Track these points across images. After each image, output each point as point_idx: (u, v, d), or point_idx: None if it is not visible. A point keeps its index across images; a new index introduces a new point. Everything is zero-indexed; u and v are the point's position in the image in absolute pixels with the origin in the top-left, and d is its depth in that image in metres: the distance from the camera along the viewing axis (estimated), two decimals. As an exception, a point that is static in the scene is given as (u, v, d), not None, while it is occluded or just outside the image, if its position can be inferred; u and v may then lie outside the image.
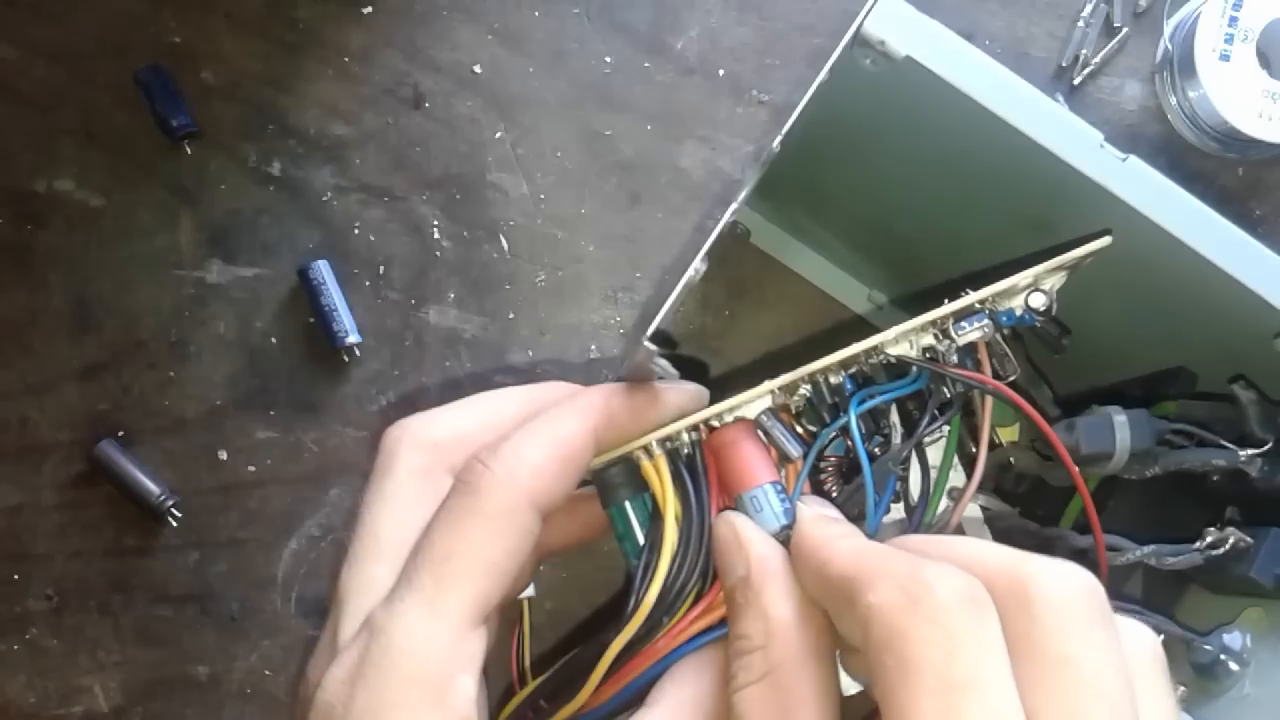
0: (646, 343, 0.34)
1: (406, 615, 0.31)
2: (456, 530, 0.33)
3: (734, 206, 0.39)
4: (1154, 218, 0.39)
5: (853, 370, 0.38)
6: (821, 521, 0.34)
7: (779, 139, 0.40)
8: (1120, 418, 0.40)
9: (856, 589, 0.28)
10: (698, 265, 0.35)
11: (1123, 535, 0.41)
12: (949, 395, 0.38)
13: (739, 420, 0.37)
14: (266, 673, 0.59)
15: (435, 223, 0.61)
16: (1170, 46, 0.61)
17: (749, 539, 0.33)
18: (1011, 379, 0.38)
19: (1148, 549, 0.40)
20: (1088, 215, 0.40)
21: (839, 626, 0.30)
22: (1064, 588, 0.27)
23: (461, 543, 0.32)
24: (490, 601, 0.32)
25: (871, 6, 0.38)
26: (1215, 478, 0.42)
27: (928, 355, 0.38)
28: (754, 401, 0.37)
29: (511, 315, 0.61)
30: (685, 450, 0.37)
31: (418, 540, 0.33)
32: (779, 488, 0.36)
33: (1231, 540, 0.40)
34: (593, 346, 0.61)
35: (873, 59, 0.39)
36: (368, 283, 0.61)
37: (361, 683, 0.31)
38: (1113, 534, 0.40)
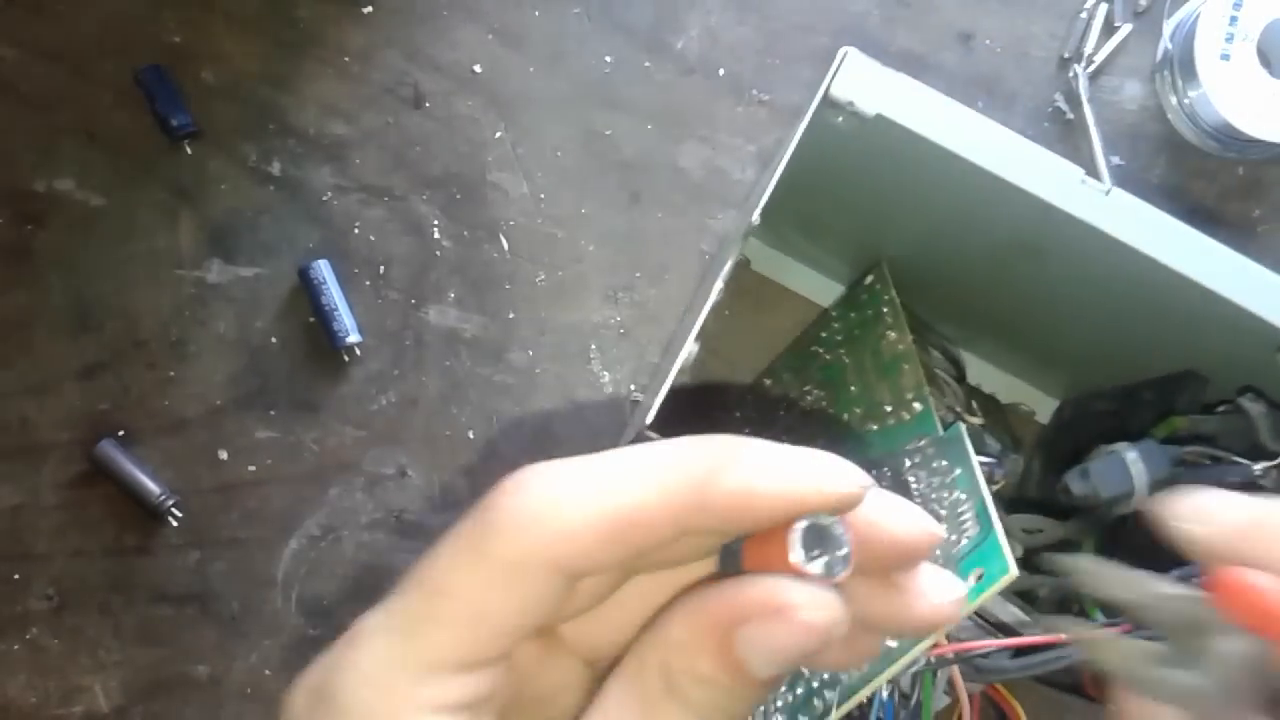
0: (648, 433, 0.33)
1: (372, 644, 0.27)
2: (455, 564, 0.27)
3: (718, 286, 0.39)
4: (1141, 249, 0.39)
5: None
6: None
7: (758, 211, 0.40)
8: (1131, 454, 0.40)
9: None
10: (691, 348, 0.35)
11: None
12: None
13: None
14: (266, 672, 0.59)
15: (435, 222, 0.61)
16: (1170, 46, 0.61)
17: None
18: None
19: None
20: (1077, 243, 0.40)
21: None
22: None
23: (456, 582, 0.27)
24: (478, 655, 0.27)
25: (836, 69, 0.38)
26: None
27: None
28: None
29: (511, 315, 0.61)
30: None
31: (424, 556, 0.28)
32: None
33: None
34: (593, 346, 0.61)
35: (844, 118, 0.39)
36: (368, 282, 0.61)
37: (320, 708, 0.28)
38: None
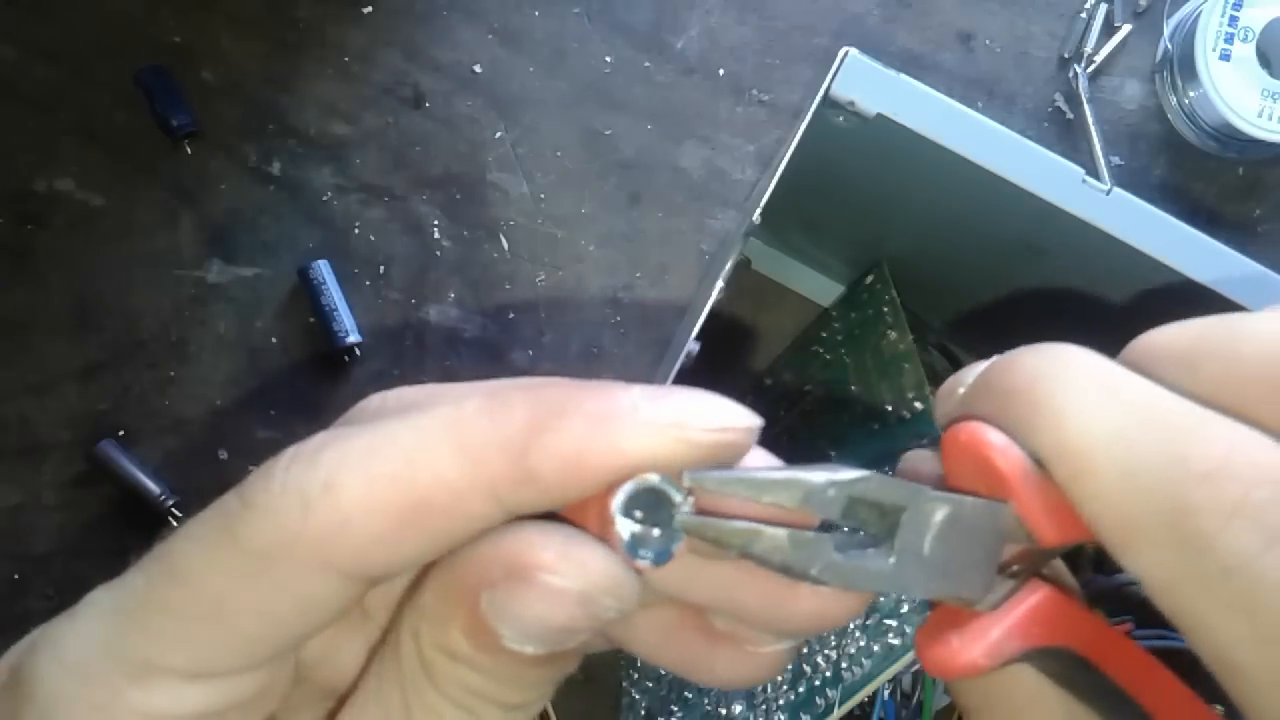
0: None
1: (88, 624, 0.22)
2: (198, 545, 0.22)
3: (718, 286, 0.39)
4: (1142, 248, 0.39)
5: None
6: None
7: (758, 211, 0.40)
8: None
9: None
10: (691, 348, 0.35)
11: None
12: None
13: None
14: (267, 673, 0.59)
15: (435, 222, 0.61)
16: (1170, 46, 0.61)
17: None
18: None
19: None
20: (1077, 242, 0.40)
21: None
22: None
23: (195, 566, 0.22)
24: (215, 663, 0.22)
25: (837, 69, 0.38)
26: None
27: None
28: None
29: (511, 315, 0.61)
30: None
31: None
32: None
33: None
34: (593, 347, 0.61)
35: (845, 117, 0.39)
36: (368, 282, 0.61)
37: (13, 692, 0.22)
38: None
